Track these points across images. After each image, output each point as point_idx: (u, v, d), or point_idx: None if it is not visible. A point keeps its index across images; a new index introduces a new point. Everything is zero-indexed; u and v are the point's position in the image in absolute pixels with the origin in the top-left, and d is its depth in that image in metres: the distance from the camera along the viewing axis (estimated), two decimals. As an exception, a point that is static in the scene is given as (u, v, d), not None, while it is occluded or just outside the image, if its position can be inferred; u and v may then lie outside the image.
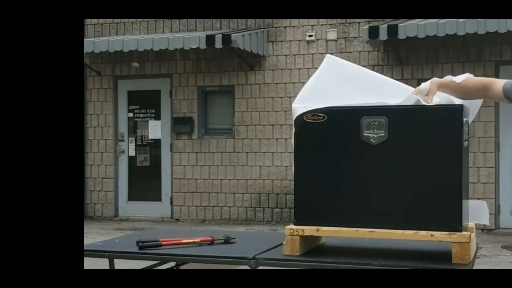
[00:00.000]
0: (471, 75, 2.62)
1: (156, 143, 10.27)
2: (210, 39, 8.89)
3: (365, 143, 2.57)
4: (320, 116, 2.63)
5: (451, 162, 2.50)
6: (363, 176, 2.59)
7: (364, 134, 2.57)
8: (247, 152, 9.69)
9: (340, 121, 2.62)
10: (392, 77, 3.19)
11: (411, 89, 2.69)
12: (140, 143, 10.36)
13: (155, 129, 10.27)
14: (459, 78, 2.58)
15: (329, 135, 2.63)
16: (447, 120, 2.51)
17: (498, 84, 2.50)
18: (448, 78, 2.66)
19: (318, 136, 2.64)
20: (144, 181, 10.34)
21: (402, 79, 8.02)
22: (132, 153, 10.37)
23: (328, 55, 2.95)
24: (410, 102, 2.56)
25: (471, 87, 2.57)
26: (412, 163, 2.54)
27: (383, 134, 2.55)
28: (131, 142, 10.39)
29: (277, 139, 9.55)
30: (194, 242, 2.96)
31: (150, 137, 10.31)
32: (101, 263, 2.94)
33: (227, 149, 9.78)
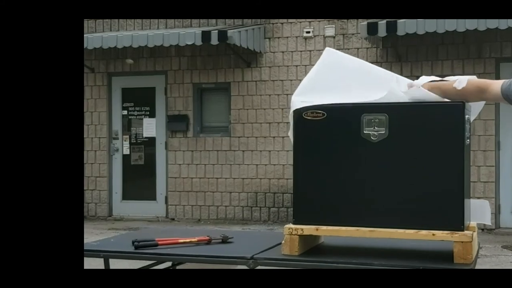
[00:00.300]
0: (474, 77, 2.53)
1: (151, 141, 10.21)
2: (205, 36, 8.83)
3: (366, 141, 2.53)
4: (320, 113, 2.59)
5: (453, 160, 2.47)
6: (364, 174, 2.56)
7: (365, 132, 2.54)
8: (243, 151, 9.64)
9: (340, 119, 2.59)
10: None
11: (409, 81, 2.64)
12: (134, 141, 10.29)
13: (150, 127, 10.20)
14: (459, 84, 2.46)
15: (328, 132, 2.60)
16: (448, 117, 2.48)
17: (496, 85, 2.43)
18: (448, 79, 2.57)
19: (317, 133, 2.60)
20: (139, 180, 10.28)
21: (399, 77, 7.97)
22: (126, 151, 10.30)
23: (327, 47, 2.93)
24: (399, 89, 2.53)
25: (466, 89, 2.46)
26: (413, 161, 2.51)
27: (383, 132, 2.52)
28: (125, 140, 10.31)
29: (274, 137, 9.50)
30: (191, 241, 2.93)
31: (144, 135, 10.24)
32: (96, 263, 2.89)
33: (223, 148, 9.73)
